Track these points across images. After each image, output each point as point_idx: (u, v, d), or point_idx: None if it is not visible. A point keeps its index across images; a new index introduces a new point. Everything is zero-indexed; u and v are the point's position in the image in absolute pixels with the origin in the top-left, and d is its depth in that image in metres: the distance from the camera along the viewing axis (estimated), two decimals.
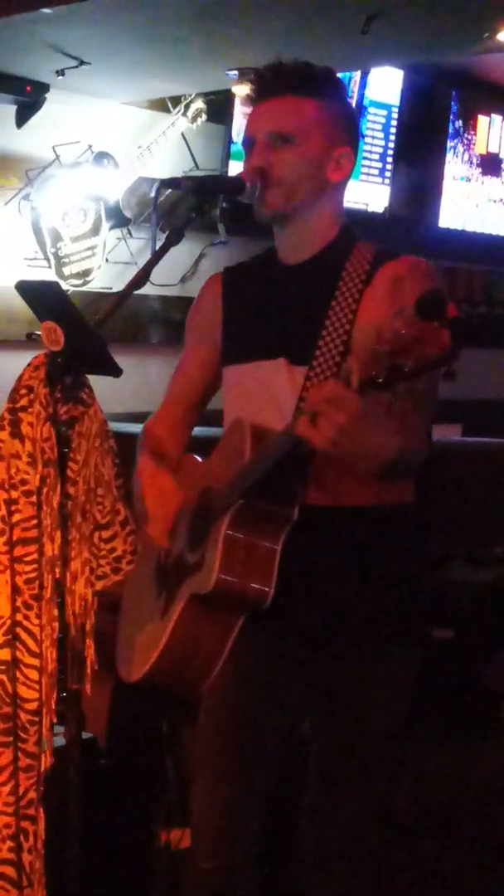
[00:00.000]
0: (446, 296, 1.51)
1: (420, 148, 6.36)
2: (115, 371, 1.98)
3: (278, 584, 1.88)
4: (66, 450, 2.09)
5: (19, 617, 2.13)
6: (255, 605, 1.89)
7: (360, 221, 2.10)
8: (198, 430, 2.28)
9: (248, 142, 2.02)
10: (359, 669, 2.04)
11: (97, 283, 4.95)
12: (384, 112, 6.08)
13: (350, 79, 5.83)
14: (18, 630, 2.14)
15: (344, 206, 2.09)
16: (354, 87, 5.91)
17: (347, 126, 2.06)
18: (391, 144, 6.14)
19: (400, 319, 1.51)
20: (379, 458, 1.79)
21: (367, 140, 6.01)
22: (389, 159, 6.13)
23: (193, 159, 5.30)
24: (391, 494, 2.00)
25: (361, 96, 5.95)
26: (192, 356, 2.23)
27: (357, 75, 5.86)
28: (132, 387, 3.60)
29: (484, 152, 6.83)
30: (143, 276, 1.98)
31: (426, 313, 1.50)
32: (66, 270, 4.82)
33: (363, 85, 5.95)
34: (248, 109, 2.06)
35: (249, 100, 2.04)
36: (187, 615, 1.94)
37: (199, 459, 2.19)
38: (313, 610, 2.01)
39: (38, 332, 1.99)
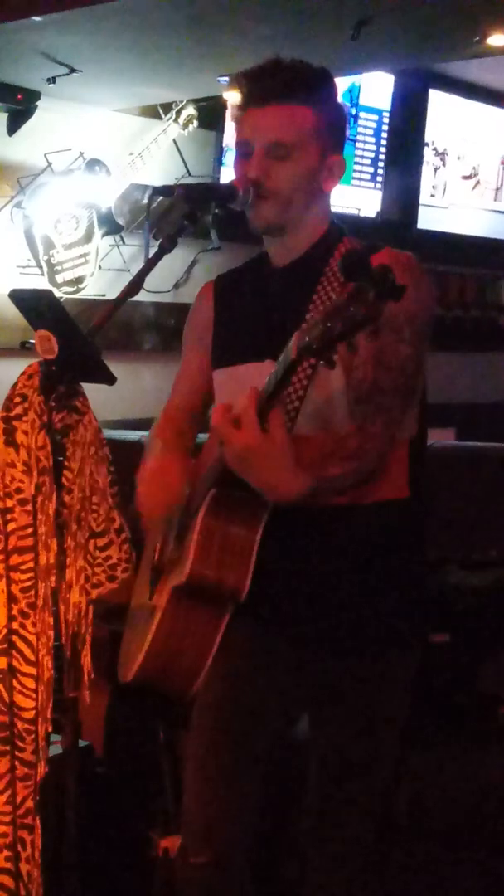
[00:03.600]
0: (366, 253, 1.52)
1: (411, 152, 6.36)
2: (109, 379, 1.98)
3: (272, 584, 1.88)
4: (61, 458, 2.10)
5: (15, 625, 2.13)
6: (234, 593, 1.88)
7: (353, 226, 2.11)
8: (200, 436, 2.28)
9: (244, 148, 2.00)
10: (355, 670, 2.04)
11: (90, 291, 4.94)
12: (375, 117, 6.08)
13: (359, 89, 5.84)
14: (15, 639, 2.14)
15: (331, 207, 2.09)
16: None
17: (339, 133, 2.07)
18: (383, 149, 6.14)
19: None
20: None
21: (358, 145, 6.01)
22: (381, 164, 6.13)
23: (185, 166, 5.30)
24: (378, 492, 1.99)
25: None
26: (189, 365, 2.24)
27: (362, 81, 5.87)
28: (126, 394, 3.60)
29: None
30: (136, 284, 1.99)
31: (349, 273, 1.51)
32: (59, 278, 4.81)
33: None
34: (242, 112, 1.99)
35: (245, 101, 1.99)
36: (171, 609, 1.94)
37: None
38: (307, 611, 2.01)
39: (32, 341, 1.99)
